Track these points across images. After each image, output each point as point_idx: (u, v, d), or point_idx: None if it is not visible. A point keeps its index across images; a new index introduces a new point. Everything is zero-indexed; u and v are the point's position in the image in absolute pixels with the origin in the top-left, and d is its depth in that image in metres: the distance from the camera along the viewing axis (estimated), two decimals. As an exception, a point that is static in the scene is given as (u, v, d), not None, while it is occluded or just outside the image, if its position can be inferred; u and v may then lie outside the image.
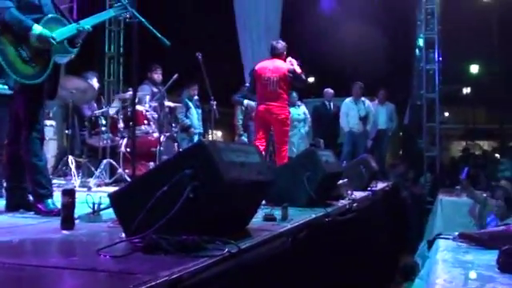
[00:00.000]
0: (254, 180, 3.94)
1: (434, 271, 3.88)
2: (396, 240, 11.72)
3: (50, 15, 5.16)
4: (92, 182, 8.63)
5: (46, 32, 5.00)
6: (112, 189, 6.34)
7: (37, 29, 4.96)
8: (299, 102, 14.14)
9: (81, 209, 4.47)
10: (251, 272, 3.38)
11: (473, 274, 3.69)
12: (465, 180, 10.32)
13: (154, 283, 2.44)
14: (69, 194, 4.08)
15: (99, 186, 8.65)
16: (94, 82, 10.50)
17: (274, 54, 9.68)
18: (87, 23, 5.33)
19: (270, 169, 4.72)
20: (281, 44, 9.78)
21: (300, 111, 13.86)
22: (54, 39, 5.03)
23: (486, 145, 28.84)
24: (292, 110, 12.45)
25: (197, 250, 3.11)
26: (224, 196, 3.53)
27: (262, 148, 9.02)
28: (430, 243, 6.73)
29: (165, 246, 3.10)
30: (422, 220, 13.29)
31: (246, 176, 3.81)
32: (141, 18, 5.29)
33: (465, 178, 10.33)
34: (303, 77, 9.57)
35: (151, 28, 5.27)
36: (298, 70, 9.40)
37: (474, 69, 35.24)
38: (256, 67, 9.80)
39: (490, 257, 3.99)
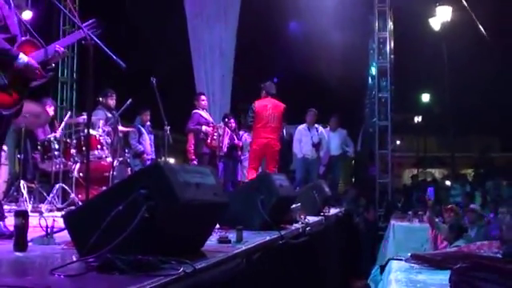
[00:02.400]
0: (209, 201, 3.95)
1: (388, 290, 3.93)
2: (349, 265, 11.79)
3: (23, 38, 5.09)
4: (44, 206, 8.53)
5: (32, 62, 4.91)
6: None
7: (23, 58, 4.87)
8: None
9: (33, 233, 4.41)
10: (206, 290, 3.39)
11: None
12: (431, 200, 10.56)
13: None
14: (22, 215, 4.02)
15: (51, 210, 8.54)
16: (50, 111, 10.46)
17: (270, 94, 11.49)
18: (60, 45, 5.27)
19: (225, 192, 4.73)
20: (271, 85, 11.70)
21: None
22: (39, 69, 4.94)
23: (437, 172, 29.18)
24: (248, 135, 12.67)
25: (152, 270, 3.10)
26: (179, 216, 3.54)
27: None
28: (383, 268, 6.80)
29: (120, 265, 3.08)
30: (375, 246, 13.41)
31: (201, 197, 3.81)
32: (97, 40, 5.27)
33: (432, 198, 10.57)
34: None
35: (107, 50, 5.26)
36: None
37: (425, 98, 35.80)
38: (256, 105, 11.40)
39: (443, 276, 4.07)
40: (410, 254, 4.96)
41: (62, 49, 5.28)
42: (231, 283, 3.84)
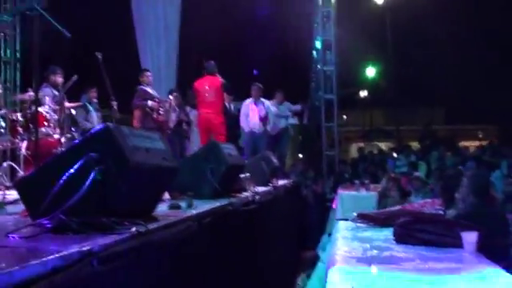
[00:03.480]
0: (158, 165, 4.02)
1: (334, 246, 4.06)
2: (298, 236, 11.95)
3: None
4: (-8, 184, 8.45)
5: None
6: (13, 192, 6.25)
7: None
8: None
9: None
10: (159, 250, 3.47)
11: (371, 246, 3.88)
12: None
13: (66, 253, 2.50)
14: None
15: (-1, 189, 8.48)
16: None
17: (209, 72, 12.11)
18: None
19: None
20: (212, 64, 12.19)
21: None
22: None
23: (383, 145, 29.58)
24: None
25: (106, 229, 3.17)
26: (130, 179, 3.59)
27: None
28: (331, 236, 6.95)
29: (73, 225, 3.15)
30: (324, 217, 13.57)
31: (151, 161, 3.88)
32: (42, 11, 5.26)
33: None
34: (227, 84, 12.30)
35: (52, 20, 5.25)
36: None
37: (370, 72, 36.15)
38: (195, 83, 12.25)
39: (387, 232, 4.23)
40: (355, 214, 5.11)
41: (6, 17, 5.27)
42: (183, 244, 3.92)
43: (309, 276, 7.92)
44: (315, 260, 8.48)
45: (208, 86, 12.01)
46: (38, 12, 5.26)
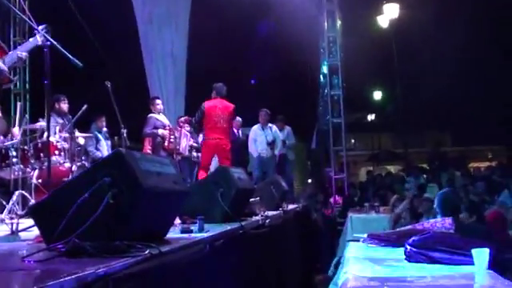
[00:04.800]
0: (170, 189, 4.06)
1: (346, 266, 4.08)
2: (309, 260, 11.93)
3: None
4: (4, 214, 8.50)
5: (3, 67, 4.94)
6: (25, 221, 6.29)
7: None
8: None
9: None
10: (172, 272, 3.50)
11: (383, 265, 3.90)
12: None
13: (81, 274, 2.54)
14: (-13, 212, 4.10)
15: (12, 218, 8.51)
16: (-1, 114, 10.38)
17: (220, 94, 11.47)
18: (21, 51, 5.32)
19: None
20: (221, 86, 11.59)
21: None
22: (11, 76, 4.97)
23: (392, 168, 29.56)
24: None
25: (120, 252, 3.21)
26: (142, 203, 3.63)
27: None
28: (341, 259, 6.96)
29: (88, 248, 3.18)
30: (334, 241, 13.55)
31: (163, 184, 3.92)
32: (53, 41, 5.32)
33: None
34: None
35: (63, 50, 5.31)
36: None
37: (377, 95, 36.22)
38: (206, 105, 11.35)
39: (399, 252, 4.24)
40: (366, 235, 5.14)
41: (25, 53, 5.35)
42: (195, 266, 3.96)
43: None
44: (328, 283, 8.48)
45: (221, 110, 11.28)
46: (49, 42, 5.32)
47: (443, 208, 5.80)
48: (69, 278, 2.47)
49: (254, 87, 21.21)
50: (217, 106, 11.30)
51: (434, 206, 6.17)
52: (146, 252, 3.27)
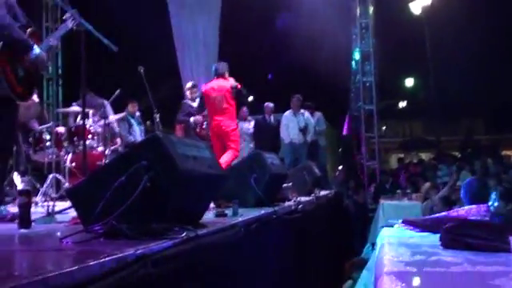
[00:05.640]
0: (206, 173, 4.07)
1: (381, 252, 4.06)
2: (341, 246, 11.92)
3: (29, 29, 5.15)
4: (39, 197, 8.59)
5: (43, 54, 4.99)
6: (59, 203, 6.35)
7: (36, 49, 4.95)
8: (250, 117, 14.34)
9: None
10: (208, 255, 3.52)
11: (418, 251, 3.89)
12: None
13: (121, 255, 2.56)
14: (25, 194, 4.13)
15: (46, 201, 8.60)
16: (35, 98, 10.46)
17: (217, 74, 10.47)
18: (53, 38, 5.37)
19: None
20: (222, 64, 10.65)
21: (250, 126, 14.09)
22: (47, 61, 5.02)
23: (423, 156, 29.35)
24: (243, 124, 12.81)
25: (157, 235, 3.23)
26: (179, 186, 3.64)
27: None
28: (374, 245, 6.94)
29: (125, 231, 3.21)
30: (365, 228, 13.53)
31: (199, 168, 3.93)
32: (88, 26, 5.35)
33: None
34: (244, 92, 10.48)
35: (98, 34, 5.33)
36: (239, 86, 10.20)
37: (409, 82, 35.99)
38: (203, 89, 10.74)
39: (433, 238, 4.22)
40: (400, 221, 5.12)
41: (56, 41, 5.39)
42: (230, 249, 3.97)
43: (354, 280, 7.91)
44: (360, 266, 8.47)
45: (217, 91, 10.37)
46: (83, 27, 5.35)
47: (469, 197, 5.77)
48: (109, 258, 2.49)
49: (286, 73, 21.15)
50: (213, 87, 10.54)
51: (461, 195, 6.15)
52: (183, 234, 3.29)
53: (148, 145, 3.68)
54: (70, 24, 5.48)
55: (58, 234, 3.61)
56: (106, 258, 2.48)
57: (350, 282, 8.14)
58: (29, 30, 5.20)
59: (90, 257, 2.48)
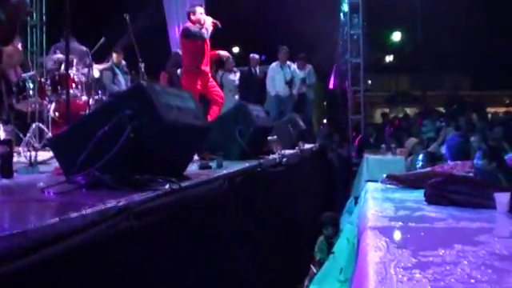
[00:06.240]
0: (191, 124, 4.02)
1: (365, 206, 4.05)
2: (323, 198, 11.96)
3: None
4: (21, 146, 8.51)
5: None
6: (42, 153, 6.29)
7: None
8: (235, 69, 14.19)
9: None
10: (191, 207, 3.49)
11: (402, 206, 3.88)
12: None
13: (103, 207, 2.52)
14: (6, 143, 4.08)
15: (28, 151, 8.53)
16: (19, 46, 10.30)
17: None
18: None
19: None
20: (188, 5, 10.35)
21: (236, 77, 13.97)
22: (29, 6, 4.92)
23: (409, 111, 29.38)
24: (228, 75, 12.72)
25: (140, 186, 3.19)
26: (163, 136, 3.60)
27: None
28: (357, 199, 6.95)
29: (108, 181, 3.17)
30: (349, 181, 13.56)
31: (184, 119, 3.87)
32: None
33: None
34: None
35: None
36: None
37: (397, 36, 35.81)
38: None
39: (418, 194, 4.21)
40: (385, 175, 5.11)
41: None
42: (215, 201, 3.95)
43: (328, 237, 7.95)
44: (335, 221, 8.50)
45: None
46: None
47: (452, 153, 5.76)
48: (90, 209, 2.46)
49: (274, 25, 20.94)
50: None
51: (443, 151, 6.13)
52: (167, 186, 3.25)
53: (132, 94, 3.63)
54: None
55: (40, 184, 3.56)
56: (88, 210, 2.44)
57: (321, 238, 8.17)
58: None
59: (72, 208, 2.45)
